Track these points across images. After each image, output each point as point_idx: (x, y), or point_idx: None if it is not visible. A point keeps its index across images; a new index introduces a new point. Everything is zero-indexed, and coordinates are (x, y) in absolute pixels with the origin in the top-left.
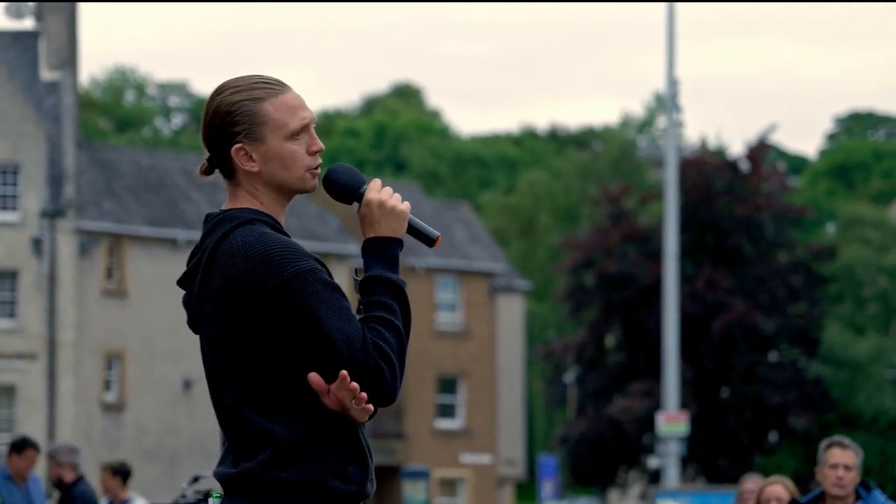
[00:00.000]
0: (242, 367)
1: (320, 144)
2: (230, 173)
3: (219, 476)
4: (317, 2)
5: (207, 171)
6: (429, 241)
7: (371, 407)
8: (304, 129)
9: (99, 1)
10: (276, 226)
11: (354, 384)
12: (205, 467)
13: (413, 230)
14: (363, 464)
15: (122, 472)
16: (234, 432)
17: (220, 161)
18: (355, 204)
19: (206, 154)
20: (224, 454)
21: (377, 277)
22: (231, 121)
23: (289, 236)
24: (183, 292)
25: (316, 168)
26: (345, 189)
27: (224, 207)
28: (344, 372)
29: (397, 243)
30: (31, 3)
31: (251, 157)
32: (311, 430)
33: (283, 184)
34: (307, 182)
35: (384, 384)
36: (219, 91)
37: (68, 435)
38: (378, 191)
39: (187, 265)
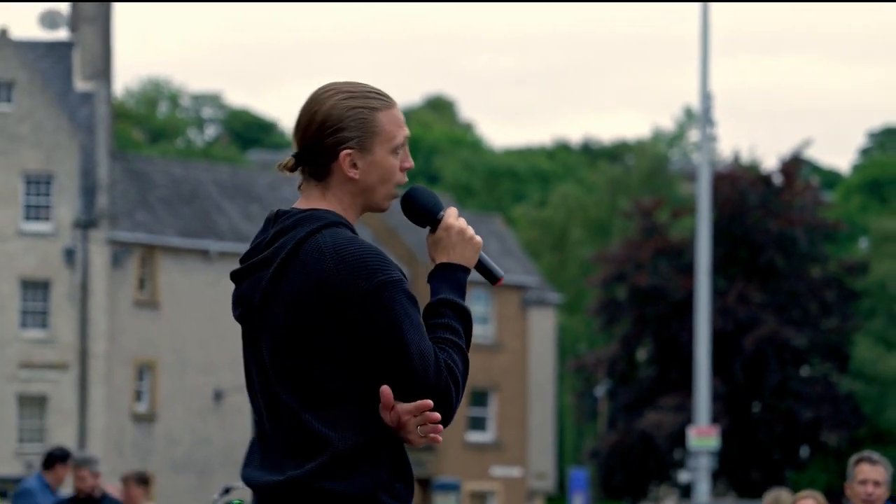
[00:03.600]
0: (309, 366)
1: (412, 162)
2: (323, 175)
3: (255, 482)
4: (349, 14)
5: (293, 168)
6: (493, 277)
7: (439, 437)
8: (404, 144)
9: (134, 7)
10: (355, 233)
11: (436, 415)
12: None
13: (480, 265)
14: (409, 482)
15: (144, 482)
16: (286, 433)
17: (316, 162)
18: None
19: (293, 150)
20: (259, 457)
21: (447, 301)
22: (344, 126)
23: None
24: (220, 301)
25: (400, 186)
26: (424, 211)
27: (302, 206)
28: (429, 402)
29: (466, 272)
30: (65, 14)
31: (356, 164)
32: (367, 442)
33: (373, 196)
34: (390, 199)
35: (450, 405)
36: (330, 93)
37: (100, 445)
38: (455, 218)
39: (248, 259)
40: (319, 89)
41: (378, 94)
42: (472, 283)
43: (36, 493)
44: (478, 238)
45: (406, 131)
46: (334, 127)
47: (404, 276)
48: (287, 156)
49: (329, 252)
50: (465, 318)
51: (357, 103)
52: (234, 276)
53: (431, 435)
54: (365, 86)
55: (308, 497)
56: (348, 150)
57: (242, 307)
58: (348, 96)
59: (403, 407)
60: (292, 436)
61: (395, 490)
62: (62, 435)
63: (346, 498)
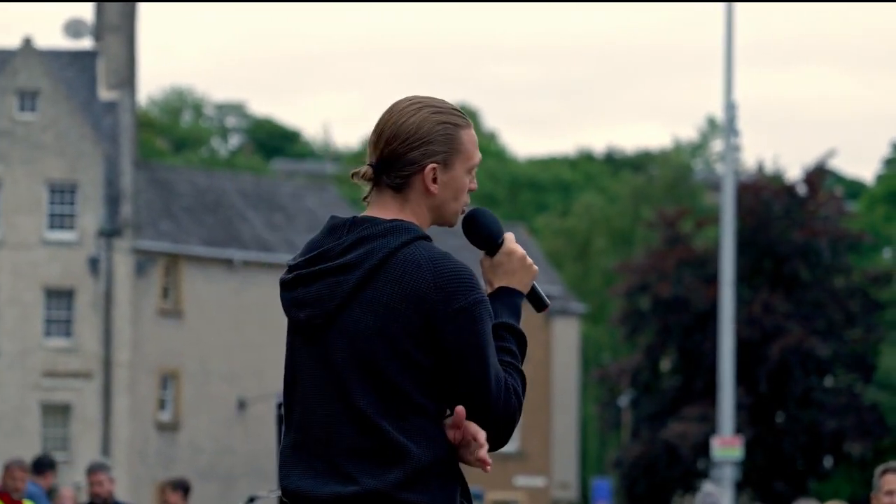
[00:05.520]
0: (392, 374)
1: (476, 184)
2: (402, 187)
3: (314, 494)
4: (373, 24)
5: (370, 178)
6: (541, 305)
7: (489, 463)
8: (477, 166)
9: (158, 16)
10: None
11: (484, 438)
12: (259, 488)
13: (531, 292)
14: (469, 499)
15: (183, 487)
16: (358, 441)
17: (398, 173)
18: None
19: (369, 159)
20: (303, 465)
21: (507, 325)
22: (432, 140)
23: None
24: (243, 310)
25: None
26: (487, 233)
27: (376, 215)
28: (482, 435)
29: (522, 297)
30: (89, 23)
31: (436, 179)
32: (441, 456)
33: (446, 211)
34: (458, 216)
35: (512, 427)
36: (417, 106)
37: (123, 454)
38: (515, 243)
39: (316, 263)
40: (403, 102)
41: (461, 113)
42: None
43: (40, 499)
44: (535, 266)
45: (479, 154)
46: (423, 140)
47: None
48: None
49: (426, 265)
50: (523, 342)
51: (445, 119)
52: (300, 279)
53: (483, 457)
54: (448, 103)
55: None
56: (434, 164)
57: (314, 309)
58: (436, 111)
59: (471, 427)
60: (365, 444)
61: None
62: (85, 444)
63: None
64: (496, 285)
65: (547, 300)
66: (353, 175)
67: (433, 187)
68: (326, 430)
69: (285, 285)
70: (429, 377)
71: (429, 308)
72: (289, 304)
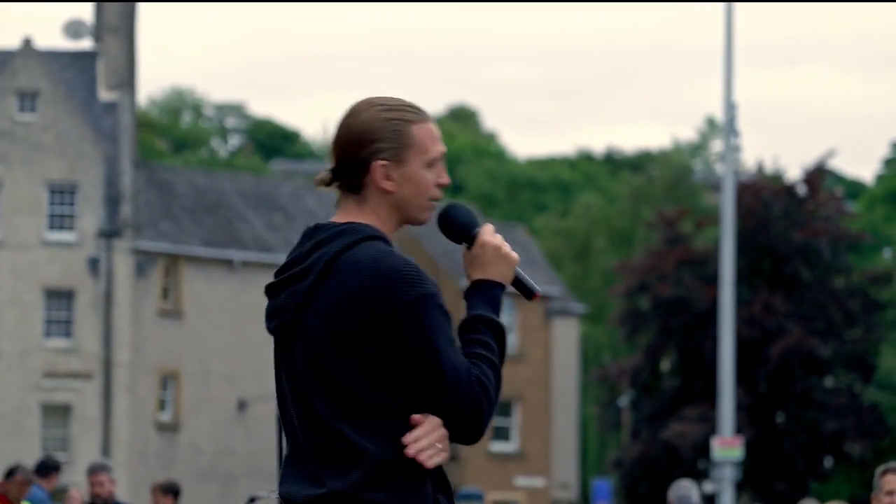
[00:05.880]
0: (344, 377)
1: (448, 179)
2: (358, 188)
3: (295, 497)
4: (373, 25)
5: (328, 182)
6: (529, 293)
7: (437, 459)
8: (439, 160)
9: (157, 17)
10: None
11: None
12: (259, 488)
13: (517, 281)
14: (449, 496)
15: (172, 491)
16: (322, 445)
17: (351, 175)
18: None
19: (329, 165)
20: (293, 471)
21: (481, 317)
22: (379, 137)
23: None
24: (243, 311)
25: (436, 201)
26: (460, 228)
27: (339, 220)
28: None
29: (502, 288)
30: (89, 24)
31: (390, 176)
32: (403, 454)
33: (409, 209)
34: (425, 212)
35: (480, 419)
36: (366, 106)
37: (123, 455)
38: (491, 234)
39: (284, 273)
40: (356, 103)
41: (413, 108)
42: None
43: (44, 502)
44: (514, 254)
45: (441, 147)
46: (369, 139)
47: (439, 290)
48: (319, 168)
49: (367, 264)
50: (500, 334)
51: (392, 115)
52: (270, 289)
53: (411, 454)
54: (401, 100)
55: None
56: (382, 162)
57: (277, 319)
58: (384, 109)
59: (425, 425)
60: (328, 447)
61: (439, 501)
62: (86, 444)
63: None
64: (473, 278)
65: (536, 288)
66: (315, 182)
67: (387, 185)
68: (303, 435)
69: (266, 296)
70: (385, 376)
71: (373, 307)
72: (265, 314)
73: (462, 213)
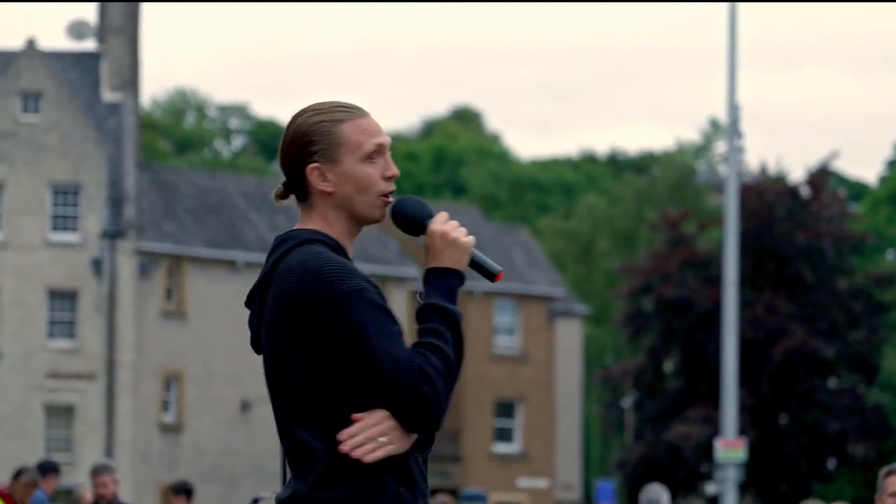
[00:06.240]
0: (292, 383)
1: (395, 170)
2: (304, 195)
3: (277, 501)
4: (375, 26)
5: (283, 195)
6: (490, 275)
7: (378, 453)
8: (380, 152)
9: (161, 18)
10: (336, 247)
11: (381, 428)
12: (262, 489)
13: (475, 264)
14: (413, 487)
15: (185, 490)
16: (289, 449)
17: (296, 183)
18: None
19: (283, 179)
20: (287, 479)
21: (432, 305)
22: (308, 140)
23: (350, 261)
24: (246, 313)
25: (388, 194)
26: (412, 220)
27: (293, 229)
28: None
29: (457, 275)
30: (93, 25)
31: (325, 177)
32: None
33: (354, 207)
34: (377, 208)
35: (426, 408)
36: (299, 114)
37: (126, 455)
38: (443, 223)
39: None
40: (294, 114)
41: (346, 107)
42: (498, 295)
43: (45, 503)
44: (465, 239)
45: (379, 139)
46: (302, 144)
47: (372, 285)
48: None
49: (296, 269)
50: (451, 320)
51: (322, 118)
52: (247, 303)
53: (345, 451)
54: (336, 102)
55: None
56: (314, 164)
57: (251, 333)
58: (313, 113)
59: (364, 422)
60: (293, 450)
61: (400, 495)
62: (89, 445)
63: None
64: (427, 267)
65: (496, 268)
66: (273, 198)
67: (324, 186)
68: (280, 441)
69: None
70: (328, 377)
71: (303, 310)
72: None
73: (411, 206)
